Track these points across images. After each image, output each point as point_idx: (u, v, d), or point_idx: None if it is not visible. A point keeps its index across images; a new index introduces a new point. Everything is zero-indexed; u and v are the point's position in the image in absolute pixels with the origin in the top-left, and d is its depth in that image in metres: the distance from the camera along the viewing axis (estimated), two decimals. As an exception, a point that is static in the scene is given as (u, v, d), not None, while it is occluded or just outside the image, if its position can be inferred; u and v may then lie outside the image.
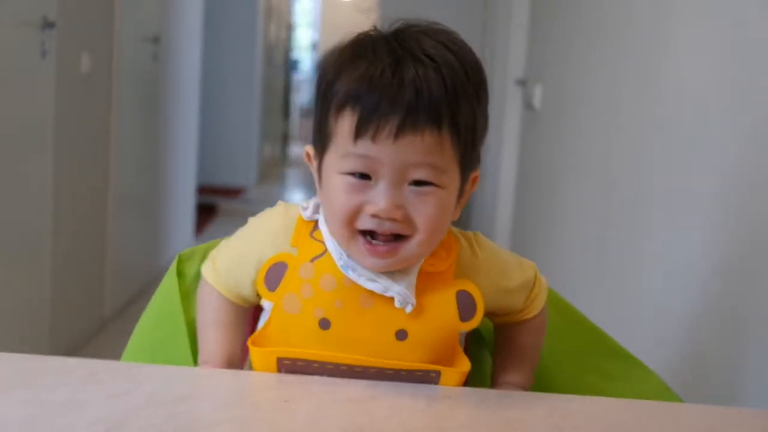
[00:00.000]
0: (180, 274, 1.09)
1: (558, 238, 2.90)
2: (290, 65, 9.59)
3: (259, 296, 0.97)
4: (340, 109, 0.86)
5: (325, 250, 0.92)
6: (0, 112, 2.28)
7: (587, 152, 2.57)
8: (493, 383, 1.05)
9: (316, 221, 0.95)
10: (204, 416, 0.80)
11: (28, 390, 0.77)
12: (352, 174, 0.86)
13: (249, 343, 0.93)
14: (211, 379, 0.89)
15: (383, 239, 0.87)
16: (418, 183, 0.85)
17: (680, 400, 1.09)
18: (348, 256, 0.90)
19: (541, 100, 3.38)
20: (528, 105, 3.64)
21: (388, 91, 0.83)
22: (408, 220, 0.86)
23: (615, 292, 2.15)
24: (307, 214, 0.95)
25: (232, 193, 6.22)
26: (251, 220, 0.99)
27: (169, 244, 4.23)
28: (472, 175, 0.93)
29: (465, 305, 0.93)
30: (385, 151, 0.84)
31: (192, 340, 1.03)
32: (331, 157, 0.88)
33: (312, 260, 0.92)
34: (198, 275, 1.06)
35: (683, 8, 1.83)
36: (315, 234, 0.94)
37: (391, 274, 0.90)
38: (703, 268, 1.60)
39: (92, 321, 3.16)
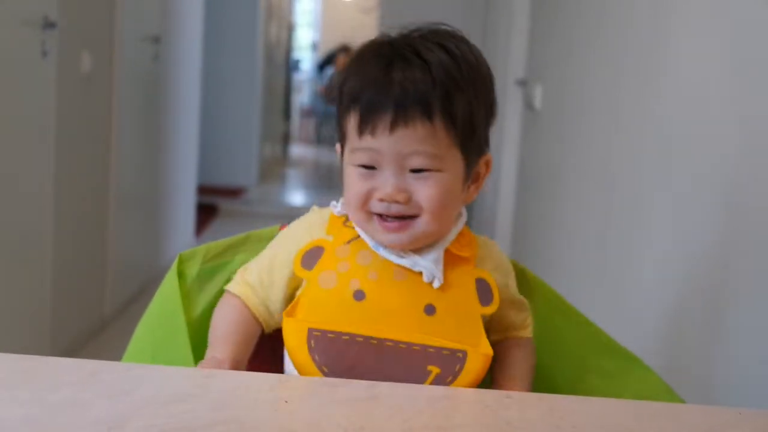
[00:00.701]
0: (181, 274, 1.10)
1: (558, 238, 2.90)
2: (291, 65, 9.60)
3: (280, 317, 1.03)
4: (347, 109, 0.99)
5: (358, 235, 1.03)
6: (1, 112, 2.28)
7: (588, 152, 2.58)
8: None
9: (347, 215, 1.05)
10: (204, 416, 0.80)
11: (29, 390, 0.77)
12: (361, 166, 0.98)
13: (284, 314, 0.99)
14: (212, 379, 0.89)
15: (393, 219, 0.98)
16: (417, 170, 0.97)
17: (681, 400, 1.09)
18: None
19: (541, 100, 3.38)
20: (528, 105, 3.64)
21: (380, 91, 0.96)
22: (412, 202, 0.97)
23: (615, 291, 2.15)
24: (337, 210, 1.06)
25: (233, 193, 6.22)
26: (283, 231, 1.11)
27: (170, 243, 4.24)
28: (483, 159, 1.04)
29: (483, 291, 1.03)
30: (383, 143, 0.96)
31: (193, 341, 1.03)
32: (347, 152, 1.01)
33: (348, 242, 1.03)
34: (199, 276, 1.08)
35: (683, 8, 1.83)
36: (347, 224, 1.04)
37: (419, 250, 1.01)
38: (703, 268, 1.60)
39: (93, 321, 3.16)
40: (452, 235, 1.04)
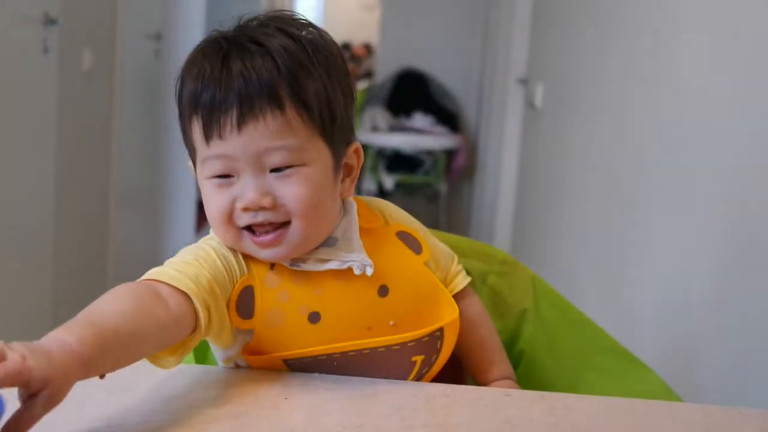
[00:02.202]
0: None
1: (558, 238, 2.90)
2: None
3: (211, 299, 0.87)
4: (189, 115, 0.88)
5: None
6: (2, 109, 2.28)
7: (588, 151, 2.57)
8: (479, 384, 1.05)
9: None
10: (204, 413, 0.80)
11: (29, 386, 0.77)
12: (216, 177, 0.87)
13: (244, 354, 0.92)
14: (212, 376, 0.89)
15: (264, 230, 0.88)
16: (277, 169, 0.86)
17: (680, 400, 1.09)
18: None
19: (542, 99, 3.38)
20: (529, 104, 3.64)
21: (219, 86, 0.85)
22: (279, 206, 0.87)
23: (615, 290, 2.15)
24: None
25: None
26: (199, 252, 0.91)
27: (171, 240, 4.24)
28: (352, 148, 0.94)
29: (409, 242, 0.99)
30: (234, 145, 0.85)
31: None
32: (199, 167, 0.89)
33: (271, 268, 0.91)
34: None
35: (686, 7, 1.83)
36: None
37: (336, 246, 0.92)
38: (703, 267, 1.60)
39: (93, 317, 3.16)
40: (354, 217, 0.95)
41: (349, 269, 0.91)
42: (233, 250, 0.91)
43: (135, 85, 3.52)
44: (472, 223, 4.92)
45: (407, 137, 4.98)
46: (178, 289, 0.83)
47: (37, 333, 0.72)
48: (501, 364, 1.06)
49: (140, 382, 0.84)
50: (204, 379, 0.88)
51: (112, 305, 0.79)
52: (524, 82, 3.82)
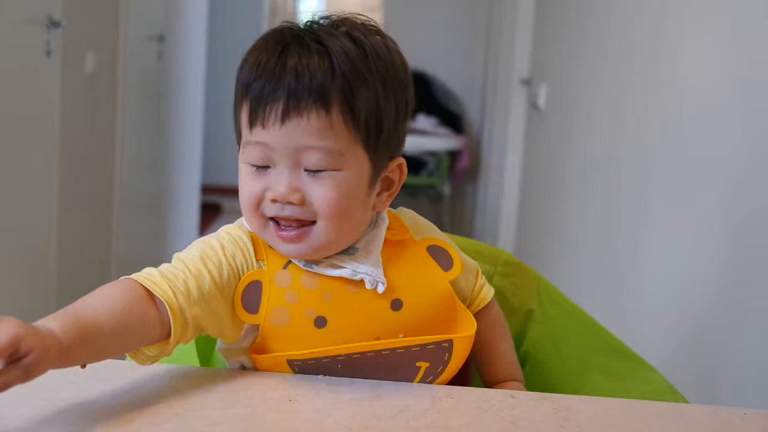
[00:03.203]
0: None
1: (563, 238, 2.90)
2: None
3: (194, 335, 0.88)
4: (240, 100, 0.90)
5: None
6: (6, 112, 2.28)
7: (592, 152, 2.57)
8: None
9: None
10: (209, 415, 0.80)
11: (34, 389, 0.77)
12: (253, 165, 0.89)
13: (252, 353, 0.92)
14: (216, 379, 0.89)
15: (288, 224, 0.89)
16: (312, 171, 0.87)
17: (685, 401, 1.09)
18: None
19: (546, 99, 3.37)
20: (533, 105, 3.64)
21: (271, 78, 0.86)
22: (307, 205, 0.88)
23: (620, 291, 2.15)
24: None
25: (236, 192, 6.21)
26: (206, 247, 0.92)
27: (174, 242, 4.24)
28: (395, 162, 0.94)
29: (440, 257, 0.97)
30: (275, 136, 0.86)
31: (198, 340, 1.03)
32: (241, 150, 0.91)
33: (284, 267, 0.92)
34: None
35: (689, 9, 1.83)
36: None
37: (354, 256, 0.92)
38: (707, 268, 1.59)
39: (97, 320, 3.16)
40: (381, 232, 0.95)
41: (362, 281, 0.91)
42: (251, 244, 0.92)
43: (138, 88, 3.53)
44: (476, 225, 4.91)
45: (410, 138, 4.94)
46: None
47: None
48: (511, 367, 1.06)
49: (144, 385, 0.84)
50: (209, 381, 0.88)
51: (102, 301, 0.81)
52: (527, 83, 3.81)
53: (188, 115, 4.41)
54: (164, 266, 0.89)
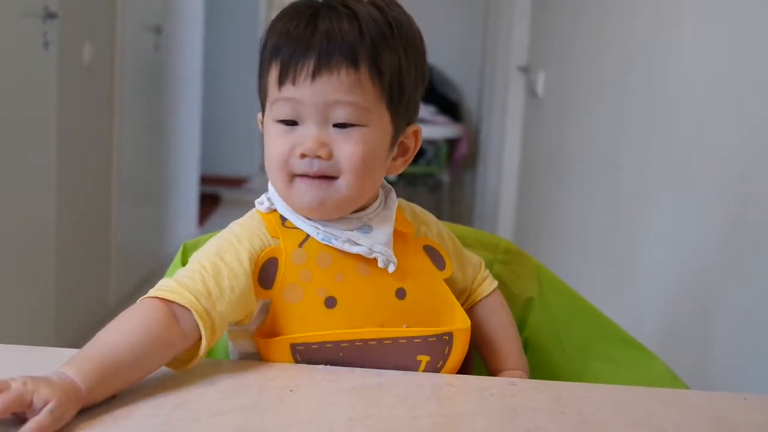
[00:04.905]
0: (185, 264, 1.09)
1: (562, 226, 2.90)
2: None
3: (221, 334, 0.90)
4: (269, 62, 0.93)
5: (307, 235, 0.95)
6: (3, 104, 2.28)
7: (591, 139, 2.57)
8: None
9: (278, 214, 0.97)
10: (210, 406, 0.80)
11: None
12: (282, 121, 0.92)
13: (257, 337, 0.93)
14: (217, 369, 0.89)
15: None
16: (341, 125, 0.91)
17: (686, 387, 1.09)
18: (323, 225, 0.94)
19: (544, 87, 3.37)
20: (531, 92, 3.63)
21: (303, 39, 0.90)
22: (334, 159, 0.91)
23: (620, 278, 2.15)
24: (263, 207, 0.97)
25: (235, 182, 6.22)
26: (220, 238, 0.95)
27: (173, 233, 4.24)
28: (412, 128, 0.99)
29: (434, 257, 1.01)
30: (305, 92, 0.90)
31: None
32: (267, 110, 0.95)
33: (300, 245, 0.94)
34: None
35: (687, -7, 1.83)
36: (287, 223, 0.96)
37: (369, 235, 0.95)
38: (708, 255, 1.59)
39: (97, 310, 3.17)
40: (393, 213, 0.99)
41: (373, 262, 0.94)
42: (265, 225, 0.95)
43: (135, 79, 3.52)
44: (475, 213, 4.91)
45: (409, 127, 4.96)
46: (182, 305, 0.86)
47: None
48: (514, 354, 1.06)
49: (147, 377, 0.84)
50: (210, 372, 0.88)
51: (120, 334, 0.83)
52: (525, 70, 3.81)
53: (186, 105, 4.40)
54: (180, 272, 0.90)
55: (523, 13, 3.88)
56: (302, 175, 0.91)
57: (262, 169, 7.37)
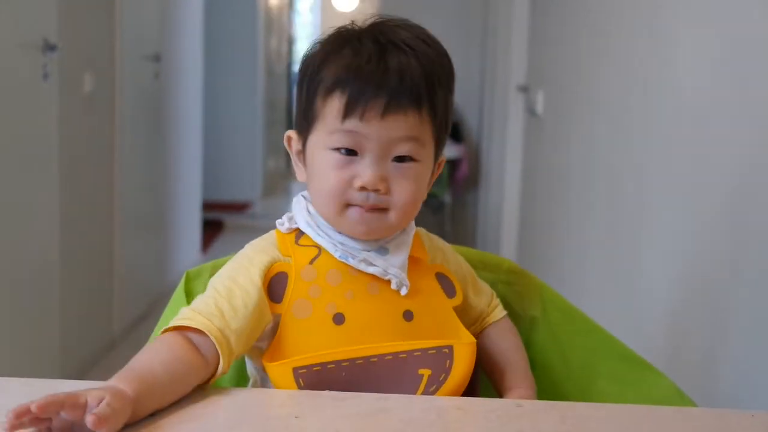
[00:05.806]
0: (188, 292, 1.10)
1: (564, 244, 2.90)
2: (292, 78, 9.61)
3: (238, 352, 0.92)
4: (329, 93, 0.94)
5: (320, 251, 0.97)
6: (4, 135, 2.29)
7: (591, 157, 2.57)
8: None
9: (296, 230, 1.00)
10: (215, 434, 0.80)
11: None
12: (340, 150, 0.94)
13: (264, 360, 0.94)
14: (222, 397, 0.89)
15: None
16: (400, 159, 0.94)
17: (693, 404, 1.08)
18: (342, 243, 0.97)
19: (543, 106, 3.38)
20: (530, 111, 3.64)
21: (374, 77, 0.92)
22: (389, 193, 0.94)
23: (623, 296, 2.14)
24: (284, 227, 1.00)
25: (238, 207, 6.23)
26: (233, 261, 0.99)
27: (177, 260, 4.24)
28: (440, 160, 1.02)
29: (445, 284, 1.03)
30: (372, 128, 0.92)
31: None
32: (318, 136, 0.95)
33: (311, 262, 0.97)
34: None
35: (685, 13, 1.83)
36: (301, 241, 0.99)
37: (385, 257, 0.97)
38: (711, 271, 1.59)
39: (102, 341, 3.17)
40: (410, 239, 1.02)
41: (384, 283, 0.97)
42: (277, 243, 0.98)
43: (136, 107, 3.53)
44: (478, 233, 4.91)
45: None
46: (199, 330, 0.89)
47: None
48: (523, 381, 1.06)
49: (150, 406, 0.84)
50: (215, 400, 0.87)
51: (153, 355, 0.86)
52: (525, 89, 3.82)
53: (187, 132, 4.42)
54: (196, 300, 0.94)
55: (522, 33, 3.90)
56: (356, 205, 0.94)
57: (264, 193, 7.40)
